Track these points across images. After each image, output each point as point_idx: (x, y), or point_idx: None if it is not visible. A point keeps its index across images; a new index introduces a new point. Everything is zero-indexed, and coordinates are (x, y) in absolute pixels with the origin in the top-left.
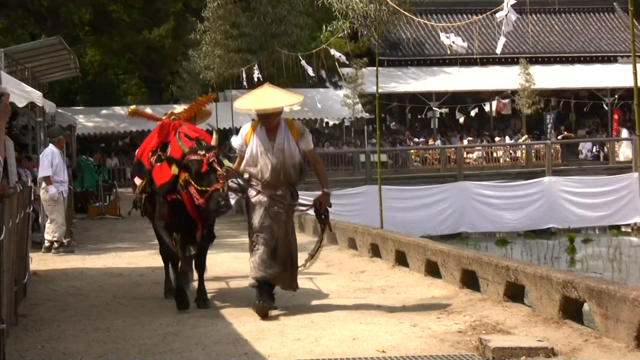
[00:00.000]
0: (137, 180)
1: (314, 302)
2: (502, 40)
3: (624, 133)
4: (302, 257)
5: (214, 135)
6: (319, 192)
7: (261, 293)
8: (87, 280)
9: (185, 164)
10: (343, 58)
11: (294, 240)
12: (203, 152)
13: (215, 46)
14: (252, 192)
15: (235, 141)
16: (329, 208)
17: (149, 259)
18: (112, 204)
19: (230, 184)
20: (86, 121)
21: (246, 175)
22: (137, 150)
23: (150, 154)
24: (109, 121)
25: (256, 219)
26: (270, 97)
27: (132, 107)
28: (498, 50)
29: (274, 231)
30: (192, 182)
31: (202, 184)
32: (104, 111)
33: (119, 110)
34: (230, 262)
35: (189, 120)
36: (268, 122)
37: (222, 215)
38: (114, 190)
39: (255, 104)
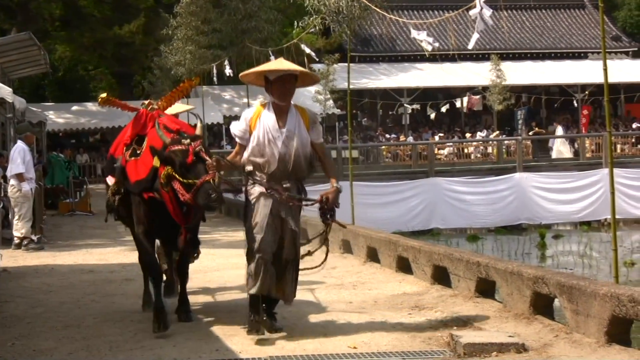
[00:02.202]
0: (110, 180)
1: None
2: (475, 36)
3: (559, 130)
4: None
5: (198, 124)
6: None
7: (255, 307)
8: (57, 277)
9: (167, 157)
10: (313, 54)
11: (298, 244)
12: (188, 141)
13: (186, 42)
14: (252, 186)
15: (237, 127)
16: (336, 207)
17: (120, 255)
18: (82, 200)
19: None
20: (57, 117)
21: (249, 168)
22: (111, 146)
23: (125, 147)
24: (80, 117)
25: (257, 218)
26: (285, 65)
27: (104, 95)
28: (470, 46)
29: (277, 233)
30: (177, 175)
31: (189, 176)
32: (74, 107)
33: (90, 106)
34: (201, 259)
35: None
36: (285, 92)
37: (214, 211)
38: (85, 186)
39: (272, 66)
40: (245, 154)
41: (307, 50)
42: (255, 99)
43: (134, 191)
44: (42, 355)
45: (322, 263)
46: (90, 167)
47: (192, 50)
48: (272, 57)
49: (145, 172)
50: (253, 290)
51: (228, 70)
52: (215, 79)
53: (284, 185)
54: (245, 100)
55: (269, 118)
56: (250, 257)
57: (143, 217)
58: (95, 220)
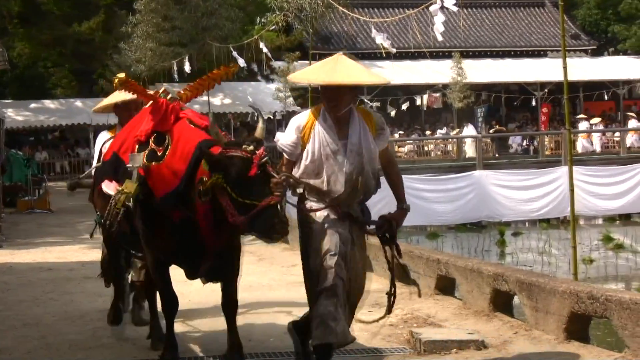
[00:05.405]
0: (109, 186)
1: (246, 297)
2: (440, 28)
3: (470, 129)
4: None
5: (260, 124)
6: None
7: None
8: (15, 275)
9: (221, 161)
10: (269, 54)
11: (362, 279)
12: (251, 148)
13: (147, 39)
14: (313, 208)
15: (285, 139)
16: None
17: (79, 253)
18: (41, 198)
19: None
20: (15, 115)
21: (300, 190)
22: (105, 143)
23: (137, 146)
24: (39, 114)
25: (328, 247)
26: (343, 69)
27: (121, 75)
28: (440, 38)
29: (348, 266)
30: (229, 189)
31: (247, 194)
32: (33, 104)
33: (48, 103)
34: None
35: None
36: (336, 104)
37: (275, 242)
38: (44, 184)
39: (321, 75)
40: (298, 172)
41: (265, 50)
42: (215, 96)
43: (162, 208)
44: (0, 354)
45: (392, 302)
46: (50, 164)
47: (152, 48)
48: (235, 53)
49: (175, 181)
50: (317, 340)
51: (188, 68)
52: (176, 76)
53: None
54: (205, 98)
55: (325, 127)
56: (316, 297)
57: (166, 240)
58: (54, 218)
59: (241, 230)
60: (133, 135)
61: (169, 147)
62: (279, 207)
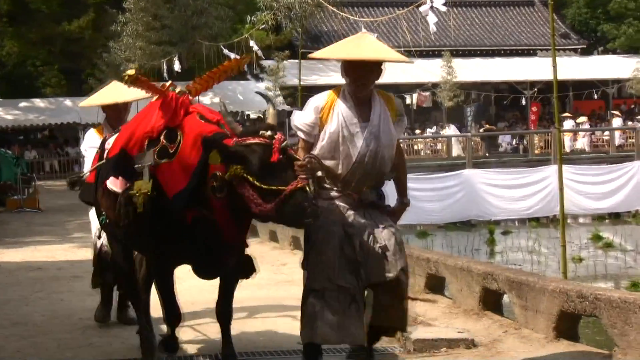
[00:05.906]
0: (115, 183)
1: (235, 295)
2: (432, 28)
3: (452, 129)
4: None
5: (271, 110)
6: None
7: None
8: (4, 274)
9: (238, 152)
10: (260, 52)
11: (402, 260)
12: (270, 133)
13: (136, 38)
14: (324, 198)
15: (302, 119)
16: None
17: (68, 252)
18: (30, 197)
19: None
20: (4, 114)
21: (319, 173)
22: (109, 139)
23: (147, 142)
24: (28, 113)
25: (325, 247)
26: (369, 45)
27: (131, 71)
28: (432, 37)
29: (352, 260)
30: (251, 178)
31: (271, 180)
32: (22, 103)
33: (38, 102)
34: None
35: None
36: (364, 83)
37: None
38: (33, 183)
39: (346, 52)
40: (315, 154)
41: (255, 48)
42: (204, 96)
43: (174, 208)
44: None
45: None
46: (39, 163)
47: (142, 46)
48: (226, 51)
49: (186, 178)
50: (304, 339)
51: (178, 67)
52: (165, 74)
53: (356, 196)
54: (196, 97)
55: (346, 109)
56: (306, 295)
57: (178, 242)
58: (43, 217)
59: (267, 219)
60: (142, 130)
61: (181, 143)
62: (307, 189)
